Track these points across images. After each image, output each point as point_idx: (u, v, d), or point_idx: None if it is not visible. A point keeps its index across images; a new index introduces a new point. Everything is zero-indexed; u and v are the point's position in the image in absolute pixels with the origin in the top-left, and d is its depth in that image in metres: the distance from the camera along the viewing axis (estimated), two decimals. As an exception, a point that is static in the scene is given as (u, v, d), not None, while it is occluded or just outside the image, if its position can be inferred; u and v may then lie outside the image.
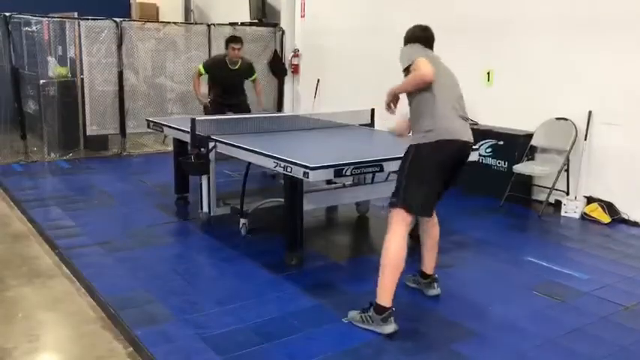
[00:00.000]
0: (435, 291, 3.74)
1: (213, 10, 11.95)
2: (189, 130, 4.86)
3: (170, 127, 5.53)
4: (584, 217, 5.55)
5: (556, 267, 4.32)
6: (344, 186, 5.17)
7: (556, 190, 5.76)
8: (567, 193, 5.76)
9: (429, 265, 3.73)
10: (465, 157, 3.39)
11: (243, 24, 9.54)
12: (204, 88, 7.14)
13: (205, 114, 6.62)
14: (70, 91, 7.91)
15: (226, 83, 6.76)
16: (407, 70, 3.25)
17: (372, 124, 5.59)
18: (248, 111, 6.82)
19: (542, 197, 5.91)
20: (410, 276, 3.80)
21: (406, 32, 3.54)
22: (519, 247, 4.80)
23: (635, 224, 5.37)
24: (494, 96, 6.41)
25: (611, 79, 5.42)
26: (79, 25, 7.82)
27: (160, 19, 12.36)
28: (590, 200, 5.62)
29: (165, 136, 7.96)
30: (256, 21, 9.89)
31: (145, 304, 3.55)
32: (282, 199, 4.30)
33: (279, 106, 9.67)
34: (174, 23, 8.97)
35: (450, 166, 3.30)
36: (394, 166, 3.99)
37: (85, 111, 7.95)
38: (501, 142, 6.11)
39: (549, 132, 5.89)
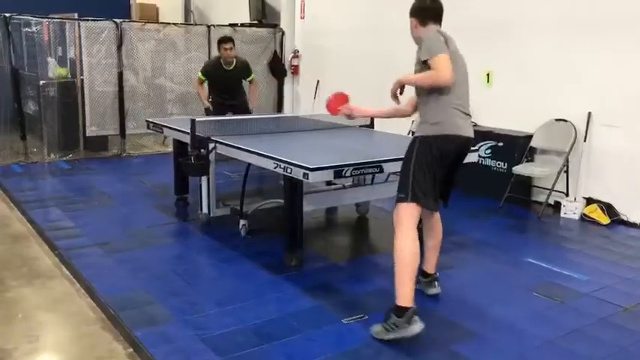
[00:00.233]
0: (436, 290, 3.74)
1: (213, 11, 11.96)
2: (189, 131, 4.86)
3: (170, 128, 5.54)
4: (584, 219, 5.55)
5: (555, 268, 4.32)
6: (344, 187, 5.18)
7: (555, 191, 5.76)
8: (567, 195, 5.76)
9: (430, 264, 3.72)
10: (466, 153, 3.43)
11: (243, 25, 9.55)
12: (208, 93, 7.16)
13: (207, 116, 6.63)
14: (70, 92, 7.92)
15: (224, 84, 6.77)
16: (424, 62, 3.14)
17: (371, 126, 5.59)
18: (249, 112, 6.84)
19: (541, 198, 5.92)
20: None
21: (415, 2, 3.41)
22: (519, 248, 4.80)
23: (634, 225, 5.38)
24: (493, 97, 6.41)
25: (611, 80, 5.43)
26: (79, 26, 7.83)
27: (160, 20, 12.36)
28: (589, 201, 5.63)
29: (165, 137, 7.96)
30: (256, 22, 9.90)
31: (145, 304, 3.55)
32: (282, 200, 4.31)
33: (279, 107, 9.67)
34: (174, 24, 8.98)
35: (451, 161, 3.32)
36: (394, 167, 3.99)
37: (85, 112, 7.96)
38: (501, 144, 6.12)
39: (549, 133, 5.90)
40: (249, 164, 4.45)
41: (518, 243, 4.99)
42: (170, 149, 6.48)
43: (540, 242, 5.09)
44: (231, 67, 6.68)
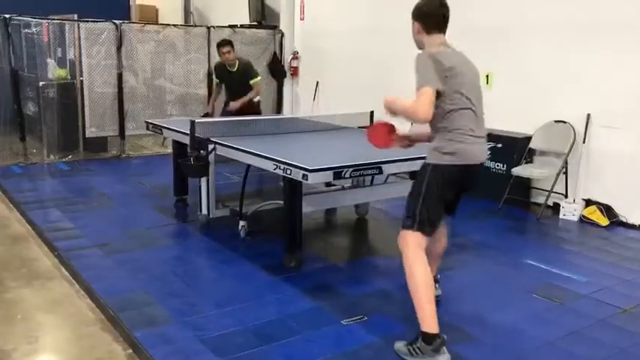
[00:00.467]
0: (436, 292, 3.72)
1: (212, 12, 11.96)
2: (188, 132, 4.86)
3: (169, 129, 5.54)
4: (583, 220, 5.55)
5: (555, 269, 4.32)
6: (343, 188, 5.18)
7: (554, 192, 5.77)
8: (566, 196, 5.77)
9: (431, 267, 3.70)
10: (478, 174, 3.26)
11: (242, 26, 9.55)
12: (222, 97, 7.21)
13: None
14: (70, 93, 7.92)
15: (230, 86, 6.87)
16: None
17: (371, 126, 5.59)
18: (259, 113, 6.85)
19: (540, 200, 5.92)
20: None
21: (420, 3, 3.14)
22: (518, 249, 4.81)
23: (633, 227, 5.38)
24: (493, 99, 6.34)
25: (610, 82, 5.43)
26: (78, 27, 7.83)
27: (160, 22, 12.38)
28: (588, 203, 5.63)
29: (165, 138, 7.95)
30: (256, 23, 9.90)
31: (144, 305, 3.55)
32: (282, 202, 4.31)
33: (279, 109, 9.67)
34: (174, 25, 9.00)
35: (462, 185, 3.23)
36: (393, 168, 4.00)
37: (85, 113, 7.96)
38: (500, 145, 6.11)
39: (548, 135, 5.90)
40: (249, 165, 4.45)
41: (517, 244, 5.00)
42: (169, 150, 6.48)
43: (540, 244, 5.09)
44: (235, 69, 6.70)
